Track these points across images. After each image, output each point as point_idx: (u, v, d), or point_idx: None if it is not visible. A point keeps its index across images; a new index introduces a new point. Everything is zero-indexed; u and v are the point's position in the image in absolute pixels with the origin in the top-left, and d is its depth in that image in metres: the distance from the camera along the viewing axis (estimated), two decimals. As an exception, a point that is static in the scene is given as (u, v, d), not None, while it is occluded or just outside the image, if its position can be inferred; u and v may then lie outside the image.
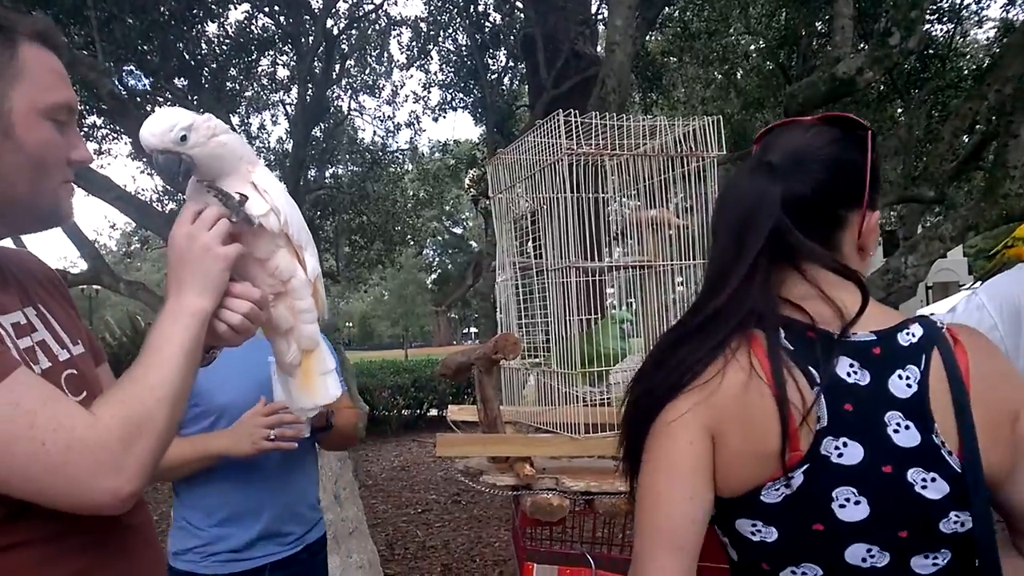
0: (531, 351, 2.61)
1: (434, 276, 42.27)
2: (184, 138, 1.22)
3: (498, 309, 2.76)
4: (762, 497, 1.15)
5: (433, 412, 15.30)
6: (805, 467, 1.12)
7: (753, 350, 1.18)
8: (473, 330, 49.74)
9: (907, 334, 1.19)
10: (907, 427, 1.13)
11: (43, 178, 1.18)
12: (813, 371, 1.16)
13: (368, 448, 12.04)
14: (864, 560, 1.13)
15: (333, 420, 2.42)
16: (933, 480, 1.11)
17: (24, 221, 1.24)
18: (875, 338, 1.19)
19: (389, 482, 9.84)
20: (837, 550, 1.14)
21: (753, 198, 1.24)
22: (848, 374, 1.16)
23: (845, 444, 1.13)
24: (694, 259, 2.34)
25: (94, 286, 9.16)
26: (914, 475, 1.11)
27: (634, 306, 2.47)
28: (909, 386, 1.15)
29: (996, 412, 1.15)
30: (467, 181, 16.85)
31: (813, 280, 1.23)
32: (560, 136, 2.23)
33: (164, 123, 1.21)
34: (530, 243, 2.65)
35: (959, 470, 1.11)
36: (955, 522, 1.11)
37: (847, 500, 1.12)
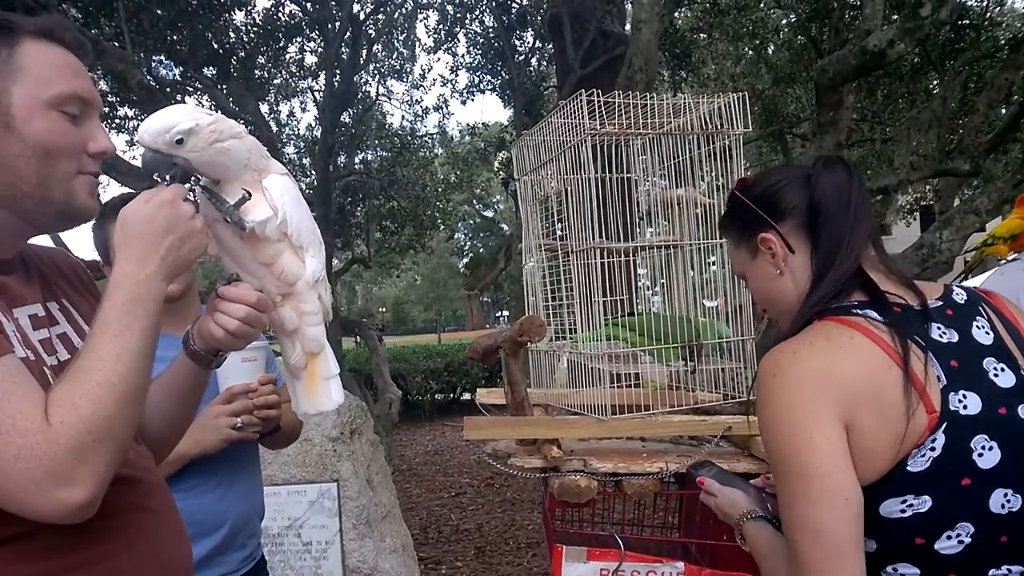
0: (560, 334, 2.60)
1: (466, 260, 42.31)
2: (180, 141, 1.17)
3: (527, 292, 2.76)
4: (908, 468, 1.19)
5: (466, 396, 15.36)
6: (944, 426, 1.19)
7: (854, 329, 1.26)
8: (505, 313, 49.80)
9: (957, 295, 1.35)
10: (1002, 369, 1.26)
11: (50, 167, 1.17)
12: (915, 339, 1.24)
13: (402, 433, 12.12)
14: (1003, 506, 1.20)
15: (281, 421, 2.17)
16: None
17: (43, 217, 1.22)
18: (942, 303, 1.33)
19: (423, 466, 9.90)
20: (983, 501, 1.20)
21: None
22: (940, 335, 1.28)
23: (965, 396, 1.22)
24: (721, 238, 2.31)
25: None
26: (1023, 411, 1.23)
27: (665, 286, 2.45)
28: (987, 333, 1.29)
29: None
30: (497, 164, 16.82)
31: (875, 263, 1.37)
32: (583, 117, 2.21)
33: (161, 123, 1.17)
34: (557, 225, 2.63)
35: None
36: None
37: (983, 448, 1.20)
